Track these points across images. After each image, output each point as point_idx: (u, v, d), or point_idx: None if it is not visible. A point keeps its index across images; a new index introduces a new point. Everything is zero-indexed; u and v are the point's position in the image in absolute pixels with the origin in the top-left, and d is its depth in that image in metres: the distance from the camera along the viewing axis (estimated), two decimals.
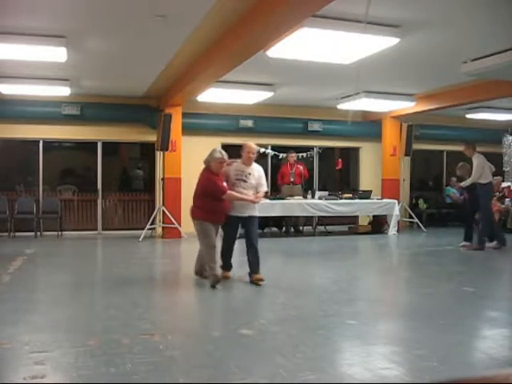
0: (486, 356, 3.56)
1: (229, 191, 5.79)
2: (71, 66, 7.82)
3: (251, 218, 5.97)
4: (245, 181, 5.93)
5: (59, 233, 10.61)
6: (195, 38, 6.63)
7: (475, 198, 8.82)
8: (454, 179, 13.57)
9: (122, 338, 3.80)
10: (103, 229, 11.24)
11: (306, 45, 6.15)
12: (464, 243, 9.01)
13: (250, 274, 5.92)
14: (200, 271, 6.13)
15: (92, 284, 6.11)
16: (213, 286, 5.64)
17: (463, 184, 9.06)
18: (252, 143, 6.12)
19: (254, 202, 5.90)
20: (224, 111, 11.16)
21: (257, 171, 6.04)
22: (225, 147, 11.66)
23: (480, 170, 8.69)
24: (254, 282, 5.82)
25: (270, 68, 8.03)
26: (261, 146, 11.94)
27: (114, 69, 8.51)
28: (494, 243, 8.83)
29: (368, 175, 12.99)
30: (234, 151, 12.44)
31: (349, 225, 11.88)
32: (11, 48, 6.55)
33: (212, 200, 5.75)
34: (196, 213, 5.89)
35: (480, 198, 8.74)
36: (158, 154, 10.71)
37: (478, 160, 8.76)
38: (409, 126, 11.67)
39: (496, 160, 13.67)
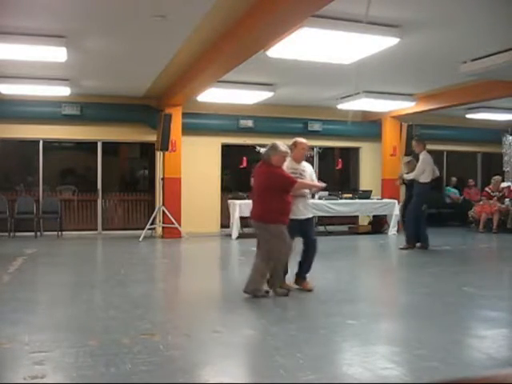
0: (485, 356, 3.56)
1: (298, 180, 5.30)
2: (71, 66, 7.82)
3: (310, 219, 5.61)
4: (301, 178, 5.50)
5: (59, 233, 10.60)
6: (195, 38, 6.63)
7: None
8: (454, 179, 13.58)
9: (122, 338, 3.80)
10: (103, 229, 11.23)
11: (306, 45, 6.14)
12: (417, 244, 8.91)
13: (300, 279, 5.57)
14: (257, 289, 5.18)
15: (92, 284, 6.10)
16: (283, 295, 5.22)
17: (406, 176, 8.90)
18: (302, 139, 5.63)
19: (322, 187, 5.71)
20: (224, 111, 11.16)
21: (308, 167, 5.68)
22: (225, 147, 11.84)
23: (424, 166, 8.55)
24: (307, 289, 5.49)
25: (270, 68, 8.03)
26: (261, 146, 11.97)
27: (114, 69, 8.51)
28: (419, 244, 8.75)
29: (368, 175, 12.98)
30: (234, 151, 12.52)
31: (349, 225, 11.87)
32: (11, 48, 6.55)
33: (280, 196, 5.09)
34: (267, 215, 5.08)
35: (414, 196, 8.61)
36: (158, 154, 10.72)
37: (423, 157, 8.65)
38: (409, 126, 11.67)
39: (496, 160, 13.75)
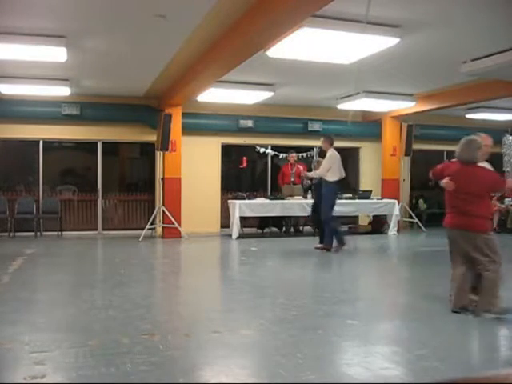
0: (485, 356, 3.56)
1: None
2: (71, 66, 7.82)
3: None
4: None
5: (59, 233, 10.60)
6: (195, 38, 6.63)
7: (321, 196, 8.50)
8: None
9: (122, 338, 3.80)
10: (103, 229, 11.23)
11: (305, 45, 6.15)
12: (317, 245, 8.69)
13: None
14: (466, 304, 4.58)
15: (92, 284, 6.10)
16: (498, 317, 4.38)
17: (311, 174, 8.72)
18: (483, 134, 5.03)
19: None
20: (224, 111, 11.16)
21: (487, 166, 4.99)
22: (225, 147, 11.84)
23: (329, 164, 8.27)
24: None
25: (270, 68, 8.03)
26: (261, 146, 11.98)
27: (114, 69, 8.51)
28: (323, 245, 8.52)
29: (368, 175, 12.99)
30: (234, 151, 12.52)
31: (349, 225, 11.87)
32: (11, 48, 6.55)
33: (488, 200, 4.59)
34: (479, 223, 4.49)
35: (323, 196, 8.38)
36: (158, 154, 10.72)
37: (330, 154, 8.38)
38: (409, 126, 11.67)
39: (496, 160, 13.75)
